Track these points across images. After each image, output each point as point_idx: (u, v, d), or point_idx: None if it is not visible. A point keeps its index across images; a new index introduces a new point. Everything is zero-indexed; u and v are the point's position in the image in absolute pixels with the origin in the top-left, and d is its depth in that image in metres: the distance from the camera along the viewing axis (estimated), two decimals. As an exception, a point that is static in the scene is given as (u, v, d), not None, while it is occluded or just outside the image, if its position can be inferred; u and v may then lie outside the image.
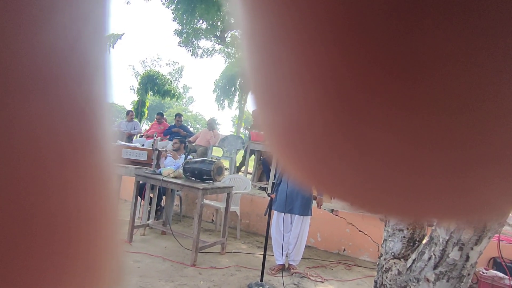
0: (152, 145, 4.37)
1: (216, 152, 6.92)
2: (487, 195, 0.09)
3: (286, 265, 3.51)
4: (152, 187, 4.43)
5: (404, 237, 2.04)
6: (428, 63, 0.07)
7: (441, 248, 1.72)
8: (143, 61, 46.91)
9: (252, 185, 5.14)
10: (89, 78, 0.11)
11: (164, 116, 7.99)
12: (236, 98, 14.48)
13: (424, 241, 1.88)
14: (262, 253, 2.97)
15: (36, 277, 0.10)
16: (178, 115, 7.38)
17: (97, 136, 0.12)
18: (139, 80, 12.53)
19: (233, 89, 13.46)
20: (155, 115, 7.62)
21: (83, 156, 0.11)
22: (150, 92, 12.34)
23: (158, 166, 4.23)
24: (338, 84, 0.08)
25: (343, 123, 0.09)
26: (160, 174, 3.82)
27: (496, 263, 3.46)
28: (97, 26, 0.11)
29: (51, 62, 0.10)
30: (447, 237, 1.71)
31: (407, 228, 2.03)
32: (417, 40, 0.07)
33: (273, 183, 3.23)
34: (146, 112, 12.37)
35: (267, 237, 2.96)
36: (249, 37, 0.10)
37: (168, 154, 4.51)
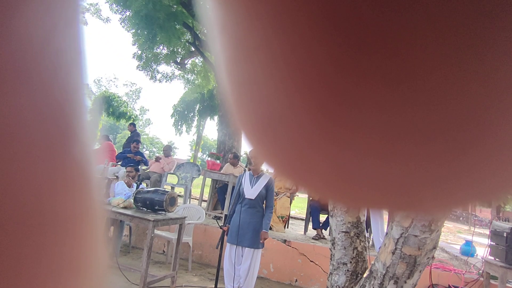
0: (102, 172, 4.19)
1: (171, 179, 6.76)
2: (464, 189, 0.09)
3: (238, 299, 3.46)
4: (100, 217, 4.19)
5: (347, 270, 2.14)
6: (404, 55, 0.07)
7: (379, 282, 1.84)
8: (99, 80, 45.23)
9: (206, 214, 5.06)
10: (65, 71, 0.11)
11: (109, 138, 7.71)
12: (195, 123, 14.41)
13: (365, 275, 1.99)
14: (213, 286, 2.91)
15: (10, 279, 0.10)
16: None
17: (75, 130, 0.11)
18: (92, 100, 12.08)
19: (192, 114, 13.40)
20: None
21: (61, 151, 0.11)
22: (104, 113, 11.91)
23: (106, 195, 4.05)
24: (314, 76, 0.08)
25: (321, 115, 0.09)
26: (108, 204, 3.65)
27: (433, 290, 3.71)
28: (71, 19, 0.11)
29: (25, 56, 0.10)
30: (384, 271, 1.83)
31: (351, 262, 2.14)
32: (394, 30, 0.07)
33: (225, 215, 3.23)
34: (98, 134, 11.85)
35: (219, 269, 2.92)
36: (222, 32, 0.10)
37: (117, 183, 4.33)
